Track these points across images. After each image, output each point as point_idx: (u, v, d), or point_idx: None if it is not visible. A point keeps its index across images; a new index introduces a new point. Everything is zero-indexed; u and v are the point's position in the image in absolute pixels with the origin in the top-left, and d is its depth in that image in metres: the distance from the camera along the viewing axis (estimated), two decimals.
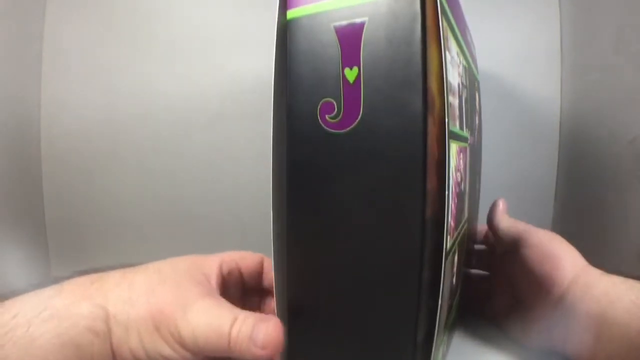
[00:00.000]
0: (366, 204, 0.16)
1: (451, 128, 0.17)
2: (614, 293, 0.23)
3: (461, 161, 0.20)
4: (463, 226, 0.22)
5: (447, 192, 0.16)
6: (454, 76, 0.18)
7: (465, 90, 0.22)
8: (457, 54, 0.20)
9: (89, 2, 0.40)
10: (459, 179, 0.20)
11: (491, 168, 0.42)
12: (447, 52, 0.17)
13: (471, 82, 0.25)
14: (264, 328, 0.18)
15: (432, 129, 0.15)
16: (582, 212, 0.42)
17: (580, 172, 0.43)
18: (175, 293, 0.19)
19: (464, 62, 0.22)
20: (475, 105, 0.27)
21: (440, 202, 0.16)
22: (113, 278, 0.20)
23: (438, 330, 0.17)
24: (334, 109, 0.17)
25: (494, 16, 0.43)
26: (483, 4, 0.43)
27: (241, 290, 0.24)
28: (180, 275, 0.20)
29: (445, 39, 0.17)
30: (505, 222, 0.29)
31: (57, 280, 0.40)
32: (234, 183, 0.43)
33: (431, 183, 0.16)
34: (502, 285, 0.30)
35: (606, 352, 0.23)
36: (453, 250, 0.19)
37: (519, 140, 0.45)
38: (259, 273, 0.25)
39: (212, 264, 0.22)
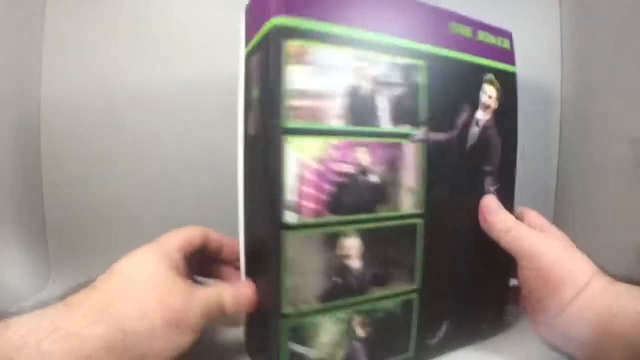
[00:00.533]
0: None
1: (300, 125, 0.22)
2: (618, 304, 0.23)
3: (356, 155, 0.24)
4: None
5: (283, 177, 0.21)
6: (317, 82, 0.22)
7: (383, 87, 0.24)
8: (351, 58, 0.23)
9: (89, 2, 0.40)
10: (339, 170, 0.23)
11: None
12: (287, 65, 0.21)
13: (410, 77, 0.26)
14: (242, 289, 0.25)
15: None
16: (582, 212, 0.41)
17: (580, 172, 0.42)
18: (173, 290, 0.22)
19: (390, 60, 0.24)
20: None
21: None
22: (118, 292, 0.21)
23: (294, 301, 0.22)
24: (252, 117, 0.24)
25: (494, 16, 0.42)
26: (483, 3, 0.42)
27: (197, 261, 0.28)
28: (165, 270, 0.23)
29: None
30: (500, 227, 0.27)
31: (55, 282, 0.38)
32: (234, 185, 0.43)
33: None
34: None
35: None
36: (316, 228, 0.23)
37: (519, 140, 0.45)
38: (215, 245, 0.28)
39: (174, 245, 0.25)
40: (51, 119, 0.40)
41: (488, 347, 0.30)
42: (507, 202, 0.30)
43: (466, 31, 0.28)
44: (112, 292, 0.21)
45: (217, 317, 0.24)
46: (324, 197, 0.23)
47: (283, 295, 0.22)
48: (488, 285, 0.31)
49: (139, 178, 0.42)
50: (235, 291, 0.24)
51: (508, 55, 0.31)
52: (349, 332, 0.25)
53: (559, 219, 0.44)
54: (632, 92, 0.35)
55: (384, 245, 0.25)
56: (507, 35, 0.31)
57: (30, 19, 0.38)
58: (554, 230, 0.29)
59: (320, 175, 0.23)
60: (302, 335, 0.23)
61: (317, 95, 0.22)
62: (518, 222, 0.28)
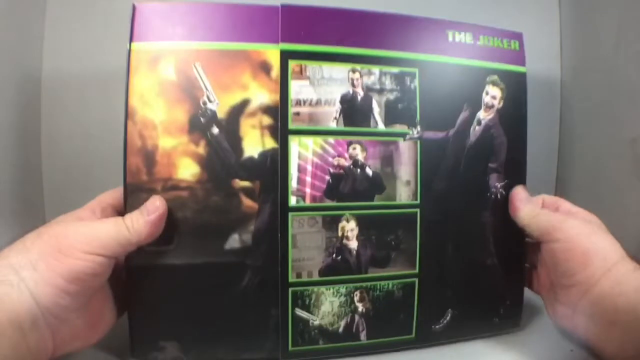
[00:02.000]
0: None
1: (297, 127, 0.27)
2: None
3: (352, 151, 0.28)
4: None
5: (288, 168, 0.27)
6: (314, 92, 0.28)
7: (377, 93, 0.29)
8: (345, 71, 0.28)
9: (89, 2, 0.40)
10: (335, 163, 0.28)
11: None
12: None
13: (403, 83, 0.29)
14: (147, 203, 0.25)
15: (131, 129, 0.26)
16: None
17: (580, 172, 0.42)
18: (66, 225, 0.24)
19: (383, 69, 0.29)
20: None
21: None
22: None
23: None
24: None
25: (494, 17, 0.43)
26: (482, 4, 0.44)
27: None
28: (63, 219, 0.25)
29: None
30: (528, 211, 0.29)
31: None
32: None
33: (132, 162, 0.26)
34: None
35: (635, 345, 0.23)
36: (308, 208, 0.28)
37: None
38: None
39: (87, 210, 0.26)
40: (52, 119, 0.40)
41: (501, 342, 0.31)
42: None
43: (466, 37, 0.31)
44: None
45: (119, 242, 0.23)
46: (321, 185, 0.28)
47: (290, 266, 0.27)
48: (493, 277, 0.31)
49: None
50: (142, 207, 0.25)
51: (517, 57, 0.32)
52: (349, 305, 0.28)
53: None
54: (632, 92, 0.35)
55: (380, 230, 0.29)
56: (517, 37, 0.32)
57: (30, 19, 0.38)
58: (585, 213, 0.29)
59: (318, 167, 0.28)
60: (306, 303, 0.28)
61: (316, 103, 0.28)
62: (546, 209, 0.29)
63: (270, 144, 0.28)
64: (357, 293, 0.29)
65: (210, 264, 0.27)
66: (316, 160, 0.28)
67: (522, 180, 0.32)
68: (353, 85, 0.28)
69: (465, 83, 0.30)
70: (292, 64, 0.27)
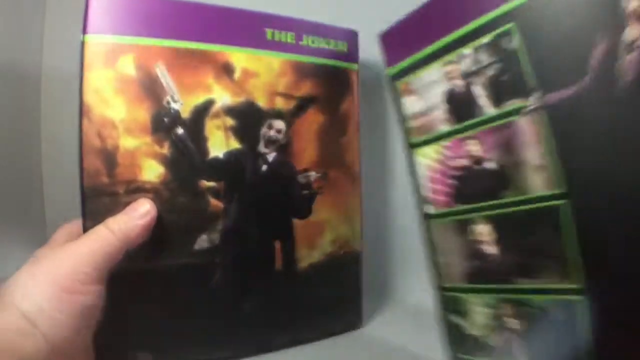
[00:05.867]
0: None
1: (416, 139, 0.28)
2: None
3: (467, 148, 0.26)
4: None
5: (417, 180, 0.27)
6: (420, 103, 0.28)
7: (475, 76, 0.25)
8: (438, 68, 0.26)
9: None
10: (455, 165, 0.26)
11: None
12: None
13: None
14: (133, 204, 0.25)
15: (88, 128, 0.25)
16: None
17: None
18: (56, 256, 0.23)
19: (474, 46, 0.24)
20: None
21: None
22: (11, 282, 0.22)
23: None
24: None
25: None
26: None
27: None
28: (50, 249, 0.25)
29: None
30: None
31: None
32: None
33: (87, 162, 0.25)
34: None
35: None
36: None
37: None
38: None
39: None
40: (52, 119, 0.40)
41: None
42: None
43: None
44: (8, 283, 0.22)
45: (113, 254, 0.23)
46: (448, 190, 0.27)
47: (440, 272, 0.27)
48: None
49: None
50: (128, 208, 0.25)
51: None
52: (499, 320, 0.25)
53: None
54: None
55: (518, 232, 0.23)
56: None
57: (31, 19, 0.38)
58: None
59: (442, 172, 0.27)
60: (458, 309, 0.27)
61: (425, 112, 0.28)
62: None
63: (234, 144, 0.29)
64: (507, 307, 0.24)
65: (180, 265, 0.27)
66: (438, 166, 0.27)
67: None
68: (450, 79, 0.26)
69: (590, 8, 0.20)
70: (400, 84, 0.29)
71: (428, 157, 0.28)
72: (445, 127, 0.26)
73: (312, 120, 0.32)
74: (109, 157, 0.25)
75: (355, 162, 0.34)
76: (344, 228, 0.34)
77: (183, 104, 0.27)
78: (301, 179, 0.32)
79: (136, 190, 0.26)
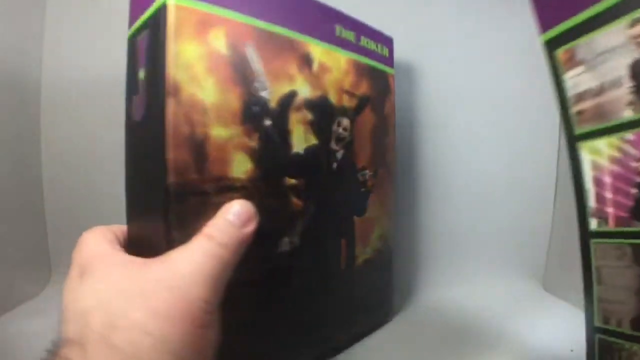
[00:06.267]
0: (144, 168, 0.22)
1: (588, 129, 0.21)
2: None
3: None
4: None
5: (581, 184, 0.21)
6: (593, 77, 0.20)
7: None
8: (621, 29, 0.19)
9: (90, 2, 0.40)
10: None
11: (491, 170, 0.45)
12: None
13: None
14: (235, 210, 0.20)
15: (175, 111, 0.20)
16: None
17: None
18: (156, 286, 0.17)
19: None
20: None
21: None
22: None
23: None
24: (138, 102, 0.22)
25: (493, 16, 0.44)
26: (482, 4, 0.44)
27: None
28: (127, 267, 0.19)
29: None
30: None
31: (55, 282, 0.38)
32: None
33: (175, 154, 0.20)
34: None
35: None
36: None
37: (518, 142, 0.45)
38: None
39: (112, 237, 0.22)
40: (52, 119, 0.40)
41: None
42: None
43: None
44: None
45: (222, 267, 0.18)
46: (627, 202, 0.20)
47: (598, 308, 0.21)
48: None
49: None
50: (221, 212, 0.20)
51: None
52: None
53: (558, 222, 0.44)
54: None
55: None
56: None
57: (31, 19, 0.39)
58: None
59: (620, 177, 0.20)
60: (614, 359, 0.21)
61: (599, 91, 0.20)
62: None
63: (311, 140, 0.27)
64: None
65: (267, 271, 0.25)
66: (615, 168, 0.20)
67: None
68: (638, 44, 0.19)
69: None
70: (560, 53, 0.21)
71: (600, 155, 0.20)
72: (629, 114, 0.19)
73: (367, 120, 0.32)
74: (199, 149, 0.21)
75: (393, 161, 0.36)
76: (387, 224, 0.35)
77: (272, 93, 0.24)
78: (360, 177, 0.31)
79: (226, 188, 0.22)
